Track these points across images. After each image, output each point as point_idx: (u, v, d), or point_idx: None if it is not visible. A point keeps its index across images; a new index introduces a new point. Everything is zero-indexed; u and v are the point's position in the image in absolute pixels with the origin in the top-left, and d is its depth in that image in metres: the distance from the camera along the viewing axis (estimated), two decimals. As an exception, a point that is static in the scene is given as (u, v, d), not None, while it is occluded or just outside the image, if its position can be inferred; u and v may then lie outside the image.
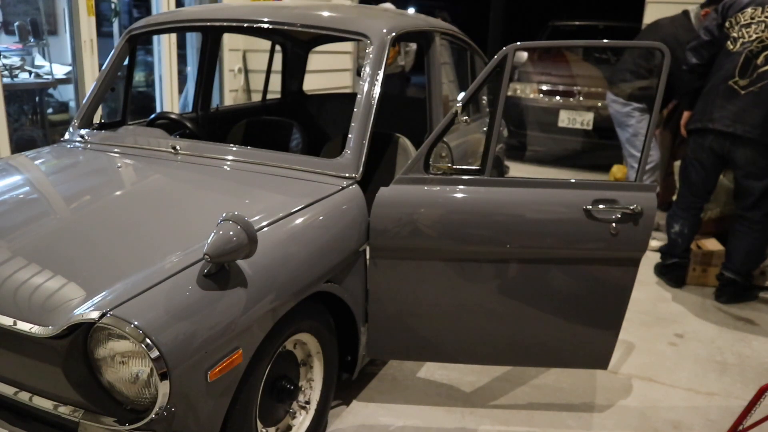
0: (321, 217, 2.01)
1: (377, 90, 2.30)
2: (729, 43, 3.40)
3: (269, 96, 4.04)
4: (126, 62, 2.85)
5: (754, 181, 3.40)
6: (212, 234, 1.57)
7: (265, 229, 1.83)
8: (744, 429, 2.18)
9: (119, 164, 2.42)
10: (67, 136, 2.69)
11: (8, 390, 1.63)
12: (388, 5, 5.22)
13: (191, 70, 5.49)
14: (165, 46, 4.94)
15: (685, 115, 3.82)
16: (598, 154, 6.43)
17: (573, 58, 6.98)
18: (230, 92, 5.64)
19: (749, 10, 3.36)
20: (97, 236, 1.84)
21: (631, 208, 2.11)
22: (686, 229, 3.73)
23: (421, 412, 2.47)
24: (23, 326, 1.52)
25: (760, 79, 3.28)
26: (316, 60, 4.54)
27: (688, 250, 3.82)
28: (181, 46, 5.32)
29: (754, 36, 3.30)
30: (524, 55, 4.99)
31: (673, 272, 3.84)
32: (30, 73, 5.01)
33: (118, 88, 2.92)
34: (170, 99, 5.03)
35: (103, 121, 2.83)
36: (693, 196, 3.66)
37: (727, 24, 3.42)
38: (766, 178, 3.37)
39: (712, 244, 3.88)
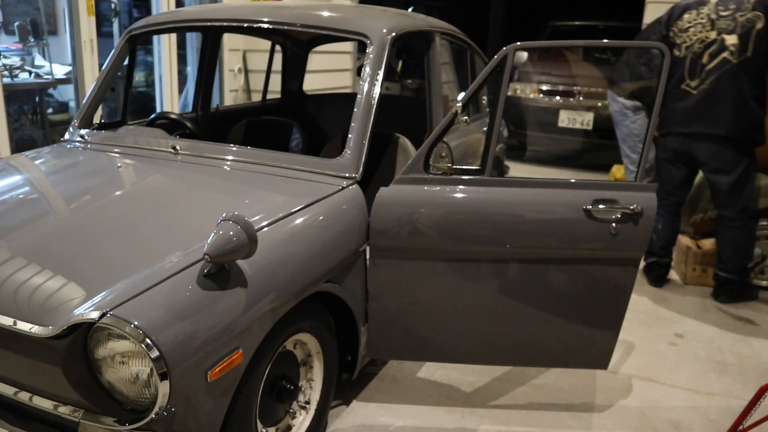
0: (321, 217, 2.01)
1: (377, 90, 2.30)
2: (675, 50, 3.49)
3: (269, 96, 4.04)
4: (126, 62, 2.85)
5: (721, 176, 3.44)
6: (212, 234, 1.57)
7: (265, 229, 1.83)
8: (744, 429, 2.18)
9: (119, 164, 2.42)
10: (67, 136, 2.69)
11: (8, 390, 1.63)
12: None
13: (191, 70, 5.49)
14: (165, 46, 4.94)
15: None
16: (598, 154, 6.43)
17: (573, 58, 6.98)
18: (230, 92, 5.64)
19: (686, 15, 3.47)
20: (97, 236, 1.84)
21: (631, 208, 2.11)
22: (660, 225, 3.74)
23: (421, 412, 2.47)
24: (23, 326, 1.52)
25: (708, 75, 3.35)
26: (316, 60, 4.54)
27: (667, 248, 3.80)
28: (181, 46, 5.32)
29: (695, 38, 3.40)
30: (524, 55, 4.98)
31: (652, 271, 3.83)
32: (30, 73, 5.00)
33: (118, 88, 2.92)
34: (170, 99, 5.03)
35: (103, 121, 2.83)
36: (666, 193, 3.69)
37: (670, 34, 3.53)
38: (732, 173, 3.41)
39: (712, 244, 3.88)
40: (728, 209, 3.49)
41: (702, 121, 3.37)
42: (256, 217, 1.87)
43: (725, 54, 3.30)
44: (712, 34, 3.34)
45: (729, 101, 3.31)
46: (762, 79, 3.32)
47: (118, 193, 2.17)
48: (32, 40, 5.20)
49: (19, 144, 4.64)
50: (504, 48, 2.09)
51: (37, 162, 2.49)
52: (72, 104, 4.94)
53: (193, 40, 5.39)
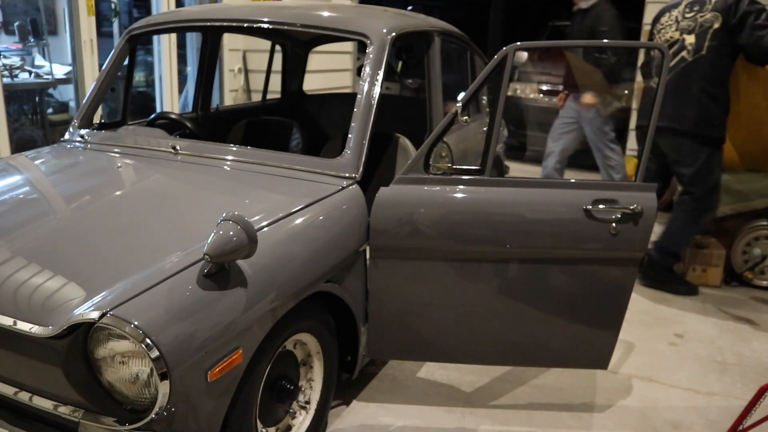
0: (321, 217, 2.01)
1: (377, 90, 2.30)
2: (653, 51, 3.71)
3: (269, 96, 4.04)
4: (126, 62, 2.85)
5: (682, 168, 3.59)
6: (212, 234, 1.57)
7: (265, 229, 1.83)
8: (744, 429, 2.18)
9: (119, 164, 2.42)
10: (67, 136, 2.69)
11: (8, 390, 1.63)
12: None
13: (191, 70, 5.49)
14: (165, 46, 4.94)
15: None
16: (598, 154, 6.41)
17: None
18: (230, 92, 5.64)
19: (663, 18, 3.68)
20: (97, 236, 1.84)
21: (631, 208, 2.11)
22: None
23: (421, 412, 2.47)
24: (23, 326, 1.52)
25: (669, 73, 3.46)
26: (316, 60, 4.54)
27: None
28: (181, 46, 5.32)
29: (663, 38, 3.60)
30: (524, 55, 5.00)
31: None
32: (30, 73, 5.01)
33: (118, 88, 2.92)
34: (170, 99, 5.03)
35: (103, 121, 2.83)
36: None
37: (654, 36, 3.76)
38: (691, 166, 3.54)
39: (712, 244, 3.87)
40: (686, 195, 3.64)
41: (663, 116, 3.48)
42: (256, 217, 1.87)
43: (683, 53, 3.46)
44: (676, 35, 3.52)
45: (682, 97, 3.45)
46: (718, 76, 3.43)
47: (118, 193, 2.17)
48: (32, 40, 5.21)
49: (19, 144, 4.64)
50: (504, 48, 2.09)
51: (37, 162, 2.49)
52: (72, 104, 4.94)
53: (193, 40, 5.39)
